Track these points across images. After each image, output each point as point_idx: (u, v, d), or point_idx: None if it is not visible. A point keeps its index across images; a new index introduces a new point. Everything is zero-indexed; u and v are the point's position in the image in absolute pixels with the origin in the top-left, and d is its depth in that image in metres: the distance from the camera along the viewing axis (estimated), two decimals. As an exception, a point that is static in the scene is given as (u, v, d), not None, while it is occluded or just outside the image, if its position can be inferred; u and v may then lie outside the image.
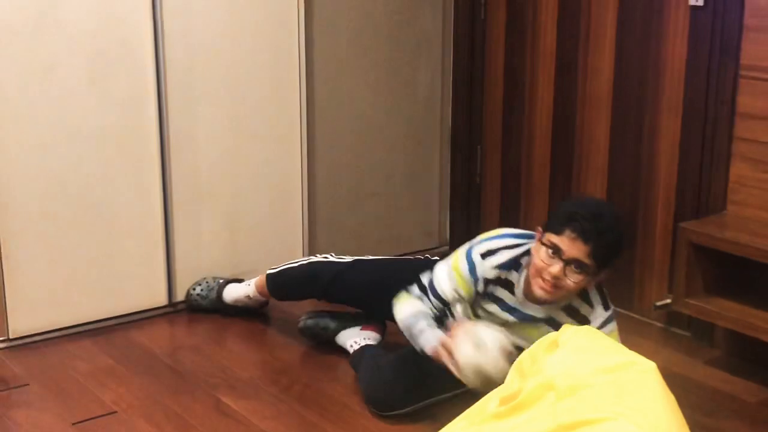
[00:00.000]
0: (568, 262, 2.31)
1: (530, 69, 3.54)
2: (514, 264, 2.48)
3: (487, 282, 2.50)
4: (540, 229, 2.41)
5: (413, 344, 2.53)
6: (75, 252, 3.05)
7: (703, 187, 3.02)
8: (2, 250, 2.91)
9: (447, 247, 3.87)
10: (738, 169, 2.93)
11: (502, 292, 2.51)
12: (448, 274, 2.55)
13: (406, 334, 2.56)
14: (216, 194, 3.30)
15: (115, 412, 2.58)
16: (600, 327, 2.41)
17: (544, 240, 2.35)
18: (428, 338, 2.47)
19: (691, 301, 2.88)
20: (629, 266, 3.28)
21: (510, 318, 2.50)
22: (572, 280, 2.33)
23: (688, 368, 2.92)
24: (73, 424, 2.52)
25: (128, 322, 3.17)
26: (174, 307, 3.28)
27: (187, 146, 3.19)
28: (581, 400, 1.92)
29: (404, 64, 3.67)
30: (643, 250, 3.25)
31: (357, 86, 3.57)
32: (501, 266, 2.49)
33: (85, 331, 3.09)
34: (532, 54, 3.52)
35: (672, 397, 1.99)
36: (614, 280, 3.36)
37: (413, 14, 3.66)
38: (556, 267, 2.32)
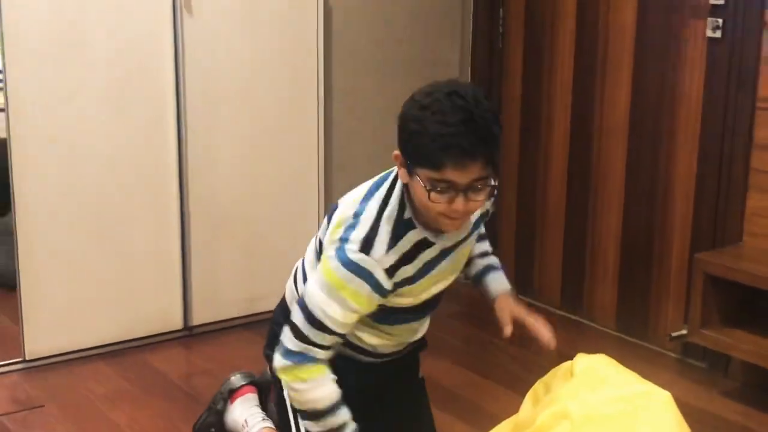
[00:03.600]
0: (467, 189, 1.83)
1: (547, 99, 3.55)
2: (404, 227, 1.93)
3: (393, 270, 1.92)
4: (398, 154, 1.89)
5: None
6: (92, 275, 3.07)
7: (719, 218, 3.02)
8: (20, 273, 2.93)
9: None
10: (755, 201, 2.93)
11: (422, 257, 1.97)
12: (336, 300, 1.89)
13: (308, 422, 1.98)
14: (233, 219, 3.32)
15: (129, 434, 2.60)
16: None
17: (422, 178, 1.82)
18: None
19: (707, 332, 2.87)
20: (645, 296, 3.28)
21: (445, 263, 2.03)
22: (477, 200, 1.86)
23: (704, 400, 2.90)
24: (88, 446, 2.53)
25: (143, 345, 3.18)
26: (189, 332, 3.29)
27: (205, 171, 3.22)
28: (596, 429, 1.91)
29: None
30: (658, 280, 3.24)
31: (373, 113, 3.60)
32: (392, 242, 1.91)
33: (101, 353, 3.10)
34: (549, 84, 3.54)
35: (687, 428, 1.98)
36: (629, 309, 3.36)
37: (431, 42, 3.69)
38: (459, 202, 1.83)
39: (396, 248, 1.91)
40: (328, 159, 3.50)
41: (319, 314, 1.90)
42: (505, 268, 2.31)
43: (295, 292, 2.15)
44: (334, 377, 1.96)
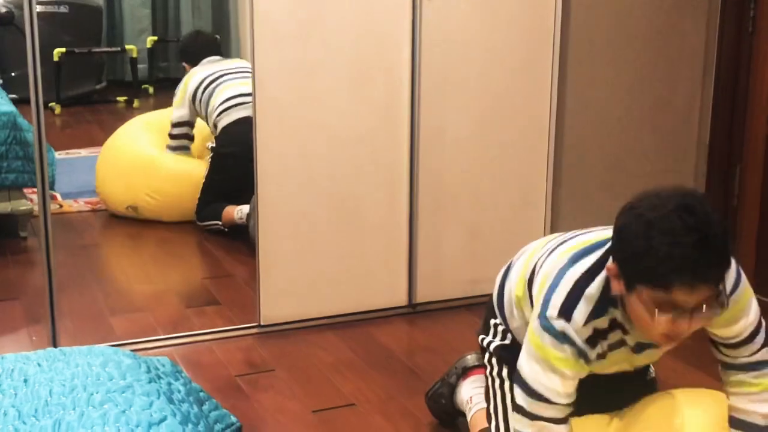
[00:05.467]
0: (694, 310, 1.71)
1: (801, 86, 3.32)
2: (605, 303, 1.85)
3: (593, 341, 1.87)
4: (613, 268, 1.78)
5: None
6: (324, 249, 3.18)
7: None
8: (260, 244, 3.09)
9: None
10: None
11: (615, 335, 1.91)
12: (546, 368, 1.86)
13: None
14: (459, 199, 3.33)
15: (354, 404, 2.67)
16: (732, 291, 1.87)
17: (643, 296, 1.72)
18: None
19: None
20: None
21: (638, 356, 1.98)
22: (703, 321, 1.76)
23: None
24: (313, 411, 2.63)
25: (369, 319, 3.26)
26: (413, 309, 3.35)
27: (434, 152, 3.25)
28: None
29: (662, 76, 3.55)
30: None
31: (610, 95, 3.49)
32: (591, 317, 1.85)
33: (329, 324, 3.22)
34: (803, 70, 3.30)
35: None
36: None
37: (675, 25, 3.53)
38: (683, 324, 1.72)
39: (597, 321, 1.85)
40: (558, 141, 3.43)
41: (537, 387, 1.87)
42: None
43: (501, 291, 2.17)
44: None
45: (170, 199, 4.16)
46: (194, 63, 4.34)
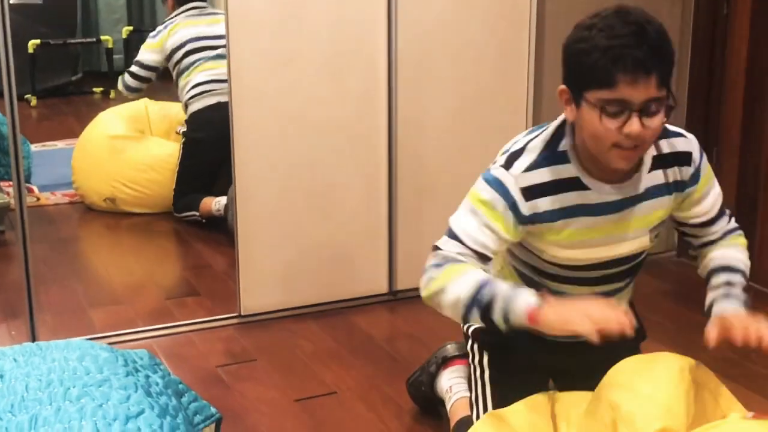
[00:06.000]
0: (641, 110, 1.72)
1: (776, 67, 3.33)
2: (552, 155, 1.86)
3: (530, 192, 1.83)
4: (564, 89, 1.82)
5: (497, 323, 1.78)
6: (304, 238, 3.18)
7: None
8: (239, 234, 3.08)
9: (674, 252, 3.71)
10: None
11: (567, 198, 1.86)
12: (470, 211, 1.86)
13: (473, 316, 1.80)
14: (438, 186, 3.33)
15: (335, 392, 2.67)
16: (700, 157, 1.96)
17: (592, 100, 1.73)
18: (525, 299, 1.74)
19: None
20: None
21: (606, 220, 1.89)
22: (653, 125, 1.75)
23: None
24: (296, 400, 2.63)
25: (350, 307, 3.26)
26: (394, 296, 3.35)
27: (413, 139, 3.25)
28: None
29: (638, 61, 3.56)
30: None
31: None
32: (533, 165, 1.85)
33: (310, 312, 3.21)
34: (778, 51, 3.31)
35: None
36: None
37: (650, 8, 3.52)
38: (634, 123, 1.71)
39: (536, 171, 1.85)
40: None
41: (455, 228, 1.88)
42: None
43: None
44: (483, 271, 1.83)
45: (148, 189, 4.15)
46: (178, 1, 4.22)
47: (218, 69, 4.01)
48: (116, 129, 4.31)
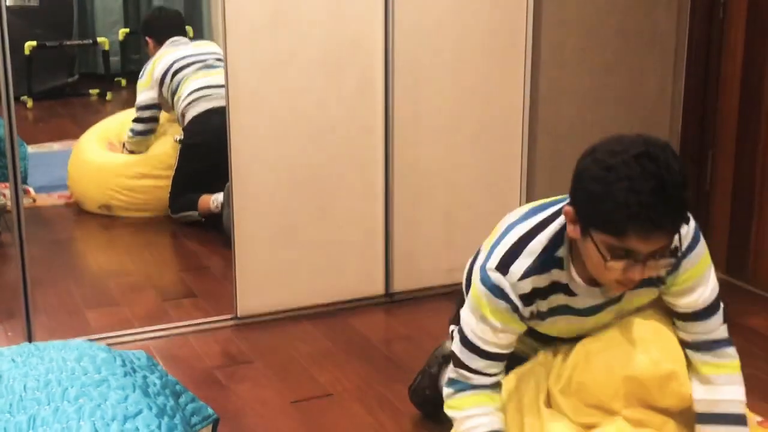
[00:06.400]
0: (647, 259, 1.71)
1: (771, 71, 3.34)
2: (547, 262, 1.86)
3: (528, 299, 1.88)
4: (571, 211, 1.78)
5: None
6: (300, 240, 3.18)
7: None
8: (235, 236, 3.08)
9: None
10: None
11: (556, 299, 1.90)
12: (479, 318, 1.89)
13: None
14: (435, 188, 3.34)
15: (331, 394, 2.68)
16: (688, 250, 1.88)
17: (598, 242, 1.71)
18: None
19: None
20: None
21: (587, 320, 1.95)
22: (657, 270, 1.76)
23: None
24: (292, 402, 2.63)
25: (347, 309, 3.27)
26: (390, 298, 3.35)
27: (409, 140, 3.25)
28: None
29: (633, 63, 3.57)
30: None
31: (581, 82, 3.51)
32: (529, 272, 1.85)
33: (306, 314, 3.21)
34: (774, 55, 3.32)
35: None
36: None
37: (646, 12, 3.55)
38: (636, 272, 1.71)
39: (532, 278, 1.85)
40: (532, 131, 3.44)
41: (470, 336, 1.90)
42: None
43: (469, 276, 2.15)
44: (496, 410, 1.92)
45: (143, 194, 4.15)
46: (158, 40, 4.27)
47: (211, 77, 4.04)
48: (109, 141, 4.35)
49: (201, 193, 4.01)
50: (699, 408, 1.96)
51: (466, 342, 1.91)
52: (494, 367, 1.92)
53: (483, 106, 3.34)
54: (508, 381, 2.01)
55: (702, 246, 1.91)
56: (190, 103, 4.06)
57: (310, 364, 2.86)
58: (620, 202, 1.65)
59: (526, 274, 1.85)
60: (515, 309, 1.86)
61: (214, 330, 3.10)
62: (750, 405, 2.04)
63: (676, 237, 1.76)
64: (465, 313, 1.92)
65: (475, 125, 3.34)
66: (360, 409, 2.59)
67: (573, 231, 1.79)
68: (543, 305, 1.90)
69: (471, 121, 3.33)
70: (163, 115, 4.44)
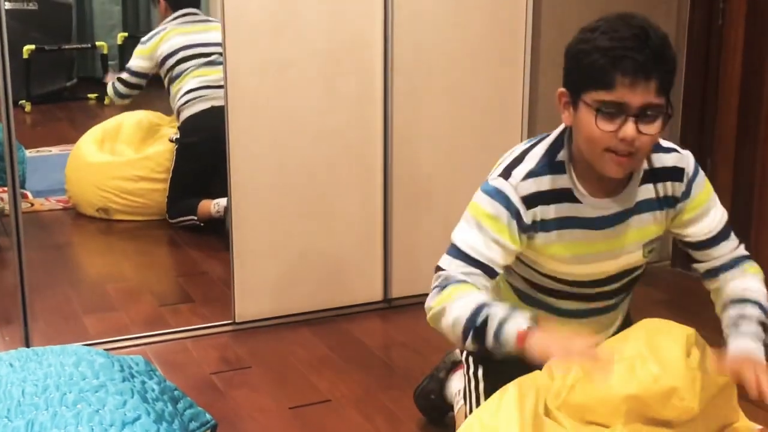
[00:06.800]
0: (638, 114, 1.72)
1: (770, 79, 3.35)
2: (550, 164, 1.86)
3: (530, 201, 1.83)
4: (564, 91, 1.83)
5: (489, 345, 1.76)
6: (298, 245, 3.18)
7: None
8: (234, 241, 3.08)
9: (668, 262, 3.72)
10: None
11: (562, 209, 1.86)
12: (475, 226, 1.83)
13: (469, 340, 1.77)
14: (434, 194, 3.34)
15: (329, 400, 2.67)
16: (694, 175, 1.95)
17: (589, 101, 1.74)
18: (518, 321, 1.73)
19: None
20: None
21: (599, 234, 1.89)
22: (649, 131, 1.74)
23: None
24: (290, 408, 2.63)
25: (344, 315, 3.26)
26: (389, 304, 3.35)
27: (408, 146, 3.25)
28: None
29: (633, 71, 3.57)
30: None
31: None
32: (531, 173, 1.84)
33: (304, 320, 3.21)
34: (772, 63, 3.33)
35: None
36: None
37: (646, 13, 3.54)
38: (629, 128, 1.71)
39: (535, 179, 1.84)
40: (532, 134, 3.42)
41: (460, 245, 1.85)
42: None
43: None
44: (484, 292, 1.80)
45: (140, 197, 4.15)
46: (172, 4, 4.20)
47: (211, 75, 4.01)
48: (105, 144, 4.35)
49: (200, 197, 4.00)
50: (725, 297, 1.96)
51: (454, 250, 1.86)
52: (481, 278, 1.84)
53: (483, 109, 3.34)
54: (510, 390, 1.99)
55: (703, 174, 1.99)
56: (186, 103, 4.05)
57: (308, 370, 2.86)
58: (605, 47, 1.71)
59: (529, 175, 1.85)
60: (515, 215, 1.83)
61: (212, 335, 3.10)
62: (749, 412, 2.04)
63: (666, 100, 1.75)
64: (458, 226, 1.89)
65: (474, 128, 3.34)
66: (358, 415, 2.59)
67: (567, 116, 1.83)
68: (549, 212, 1.86)
69: (471, 125, 3.33)
70: (161, 118, 4.45)
